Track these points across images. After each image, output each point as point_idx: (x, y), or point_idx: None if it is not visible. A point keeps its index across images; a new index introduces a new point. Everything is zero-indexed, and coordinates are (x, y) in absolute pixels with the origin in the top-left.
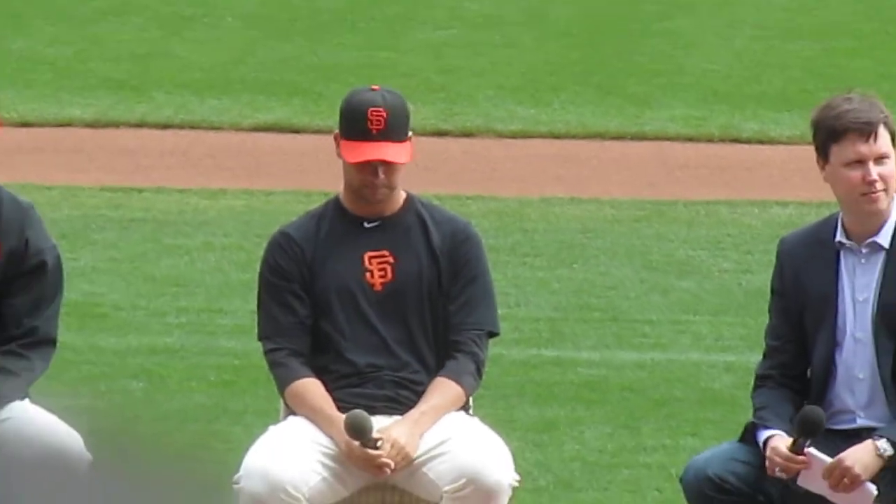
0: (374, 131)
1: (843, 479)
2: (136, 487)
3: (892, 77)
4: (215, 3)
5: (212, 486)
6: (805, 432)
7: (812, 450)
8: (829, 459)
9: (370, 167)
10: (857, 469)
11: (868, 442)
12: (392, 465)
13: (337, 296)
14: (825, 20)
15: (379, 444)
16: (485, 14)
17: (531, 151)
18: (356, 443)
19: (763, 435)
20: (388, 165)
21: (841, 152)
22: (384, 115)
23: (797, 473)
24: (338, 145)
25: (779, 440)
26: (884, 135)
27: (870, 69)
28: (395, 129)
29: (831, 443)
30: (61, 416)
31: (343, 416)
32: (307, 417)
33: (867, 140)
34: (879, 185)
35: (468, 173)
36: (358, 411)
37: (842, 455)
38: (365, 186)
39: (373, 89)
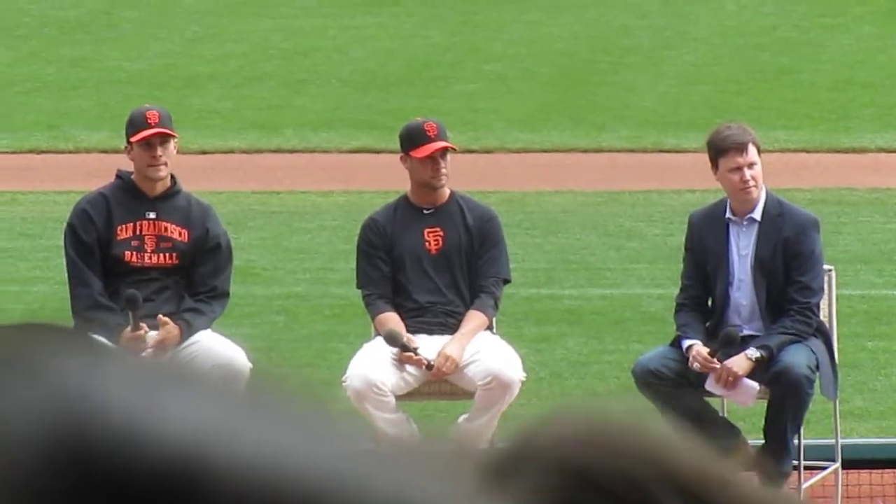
0: (432, 135)
1: (728, 378)
2: (282, 387)
3: (760, 108)
4: (322, 70)
5: (328, 385)
6: (726, 344)
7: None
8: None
9: (434, 159)
10: (735, 369)
11: (742, 351)
12: (431, 362)
13: (407, 257)
14: (717, 71)
15: (416, 348)
16: (497, 72)
17: (529, 161)
18: (395, 349)
19: (686, 343)
20: (445, 152)
21: (725, 163)
22: (435, 124)
23: (706, 377)
24: (404, 160)
25: (698, 346)
26: (752, 150)
27: (746, 103)
28: (443, 135)
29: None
30: (231, 340)
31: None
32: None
33: (742, 154)
34: (751, 183)
35: (489, 177)
36: (389, 329)
37: (726, 362)
38: (432, 176)
39: (420, 119)
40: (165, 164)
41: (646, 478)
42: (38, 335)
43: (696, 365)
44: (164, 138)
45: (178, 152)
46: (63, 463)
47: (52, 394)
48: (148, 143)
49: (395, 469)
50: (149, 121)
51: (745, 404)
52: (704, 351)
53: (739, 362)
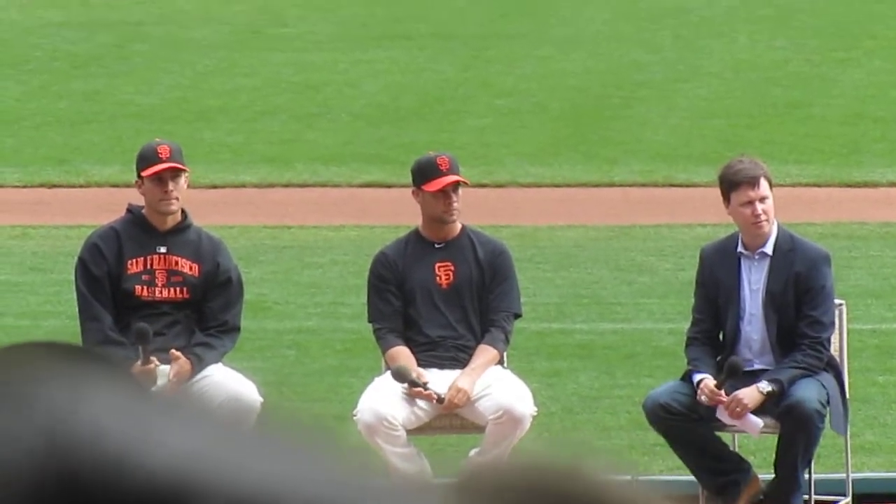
0: (444, 169)
1: (737, 408)
2: (293, 421)
3: (772, 142)
4: (334, 104)
5: (339, 420)
6: (730, 374)
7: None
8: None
9: (446, 193)
10: (745, 401)
11: (754, 384)
12: (441, 396)
13: (418, 292)
14: (729, 105)
15: (425, 383)
16: (509, 107)
17: (541, 196)
18: (404, 385)
19: (696, 377)
20: (457, 186)
21: (737, 197)
22: (447, 158)
23: (716, 407)
24: (416, 195)
25: (707, 380)
26: (764, 184)
27: (757, 137)
28: (455, 169)
29: (739, 380)
30: (242, 374)
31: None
32: None
33: (754, 188)
34: (763, 217)
35: (500, 211)
36: (398, 365)
37: (736, 392)
38: (444, 211)
39: (432, 153)
40: (177, 198)
41: None
42: (33, 359)
43: (703, 398)
44: (176, 173)
45: (188, 186)
46: (51, 491)
47: (41, 422)
48: (160, 178)
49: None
50: (160, 155)
51: (753, 433)
52: (712, 383)
53: (751, 394)
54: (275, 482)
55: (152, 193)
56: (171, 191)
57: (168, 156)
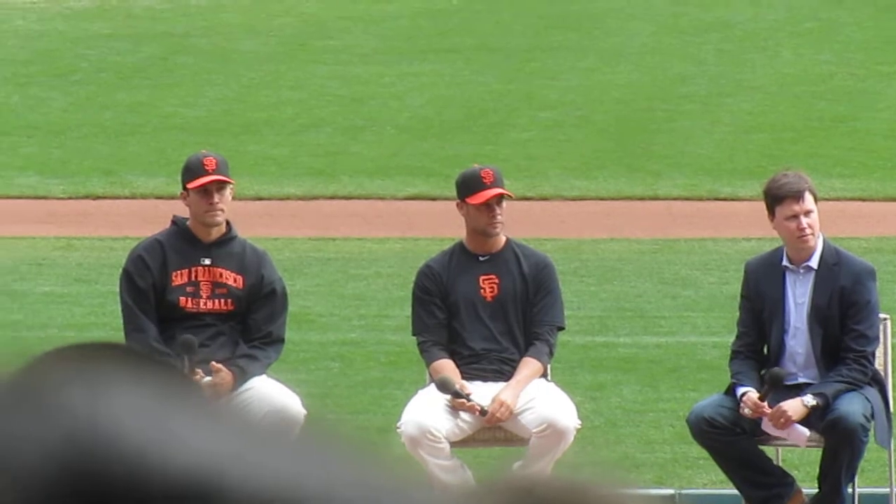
0: (488, 182)
1: (781, 420)
2: (336, 433)
3: (816, 156)
4: (379, 117)
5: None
6: (773, 384)
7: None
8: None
9: (489, 206)
10: (790, 413)
11: (798, 397)
12: (485, 408)
13: (462, 304)
14: (773, 119)
15: (469, 394)
16: (553, 119)
17: (585, 209)
18: (448, 396)
19: (740, 390)
20: (501, 199)
21: (782, 211)
22: (491, 171)
23: (761, 418)
24: (460, 207)
25: (751, 393)
26: (808, 197)
27: (802, 151)
28: (499, 182)
29: (783, 392)
30: (286, 386)
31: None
32: None
33: (798, 202)
34: (808, 231)
35: (545, 224)
36: (442, 377)
37: (781, 404)
38: (488, 223)
39: (476, 166)
40: (222, 210)
41: None
42: (55, 361)
43: (746, 411)
44: (221, 185)
45: (234, 198)
46: (70, 491)
47: (62, 422)
48: (205, 190)
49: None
50: (206, 167)
51: (798, 444)
52: (755, 396)
53: (795, 406)
54: (297, 483)
55: (198, 205)
56: (217, 203)
57: (214, 168)
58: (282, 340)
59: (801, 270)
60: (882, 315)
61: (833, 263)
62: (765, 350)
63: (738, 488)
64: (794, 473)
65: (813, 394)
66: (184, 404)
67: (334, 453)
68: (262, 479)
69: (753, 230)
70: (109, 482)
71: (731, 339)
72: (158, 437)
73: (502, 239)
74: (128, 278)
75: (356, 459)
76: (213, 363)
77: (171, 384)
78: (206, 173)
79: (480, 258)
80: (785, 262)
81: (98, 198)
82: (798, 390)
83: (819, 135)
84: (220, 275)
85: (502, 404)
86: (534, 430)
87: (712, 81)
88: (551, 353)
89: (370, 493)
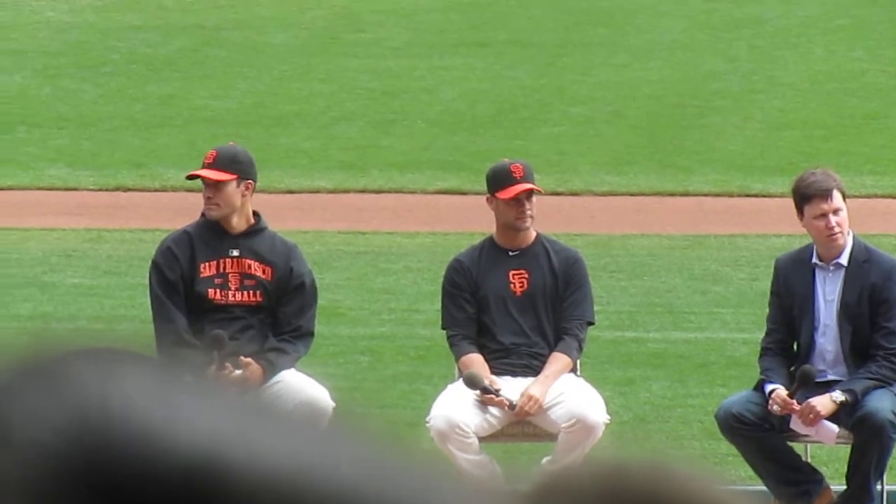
0: (518, 177)
1: (810, 416)
2: (365, 425)
3: (848, 153)
4: (410, 110)
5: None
6: (803, 382)
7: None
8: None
9: (519, 201)
10: (819, 409)
11: (827, 393)
12: (514, 403)
13: (492, 299)
14: (805, 116)
15: (498, 390)
16: (584, 115)
17: (615, 204)
18: (476, 391)
19: (768, 387)
20: (531, 194)
21: (810, 210)
22: (522, 166)
23: (790, 416)
24: (490, 202)
25: (780, 390)
26: (837, 195)
27: (833, 148)
28: (529, 177)
29: (812, 390)
30: (316, 379)
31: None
32: None
33: (827, 200)
34: (837, 229)
35: (575, 219)
36: (471, 371)
37: (810, 399)
38: (517, 218)
39: (506, 160)
40: (217, 205)
41: None
42: (65, 343)
43: (775, 407)
44: (216, 180)
45: (265, 191)
46: (80, 470)
47: (72, 401)
48: (205, 184)
49: (415, 482)
50: (205, 160)
51: (827, 442)
52: (784, 393)
53: (824, 403)
54: (306, 465)
55: (204, 197)
56: (211, 197)
57: (210, 161)
58: (311, 334)
59: (831, 267)
60: None
61: (863, 260)
62: (794, 347)
63: (766, 485)
64: (822, 470)
65: (842, 390)
66: (194, 386)
67: (348, 439)
68: (271, 459)
69: (784, 227)
70: (120, 460)
71: (761, 335)
72: (169, 417)
73: (532, 234)
74: (157, 270)
75: (376, 449)
76: (243, 357)
77: (181, 369)
78: (202, 166)
79: (510, 253)
80: (815, 260)
81: (128, 190)
82: (827, 387)
83: (850, 132)
84: (249, 266)
85: (531, 399)
86: (562, 425)
87: (744, 78)
88: (580, 349)
89: (388, 482)
